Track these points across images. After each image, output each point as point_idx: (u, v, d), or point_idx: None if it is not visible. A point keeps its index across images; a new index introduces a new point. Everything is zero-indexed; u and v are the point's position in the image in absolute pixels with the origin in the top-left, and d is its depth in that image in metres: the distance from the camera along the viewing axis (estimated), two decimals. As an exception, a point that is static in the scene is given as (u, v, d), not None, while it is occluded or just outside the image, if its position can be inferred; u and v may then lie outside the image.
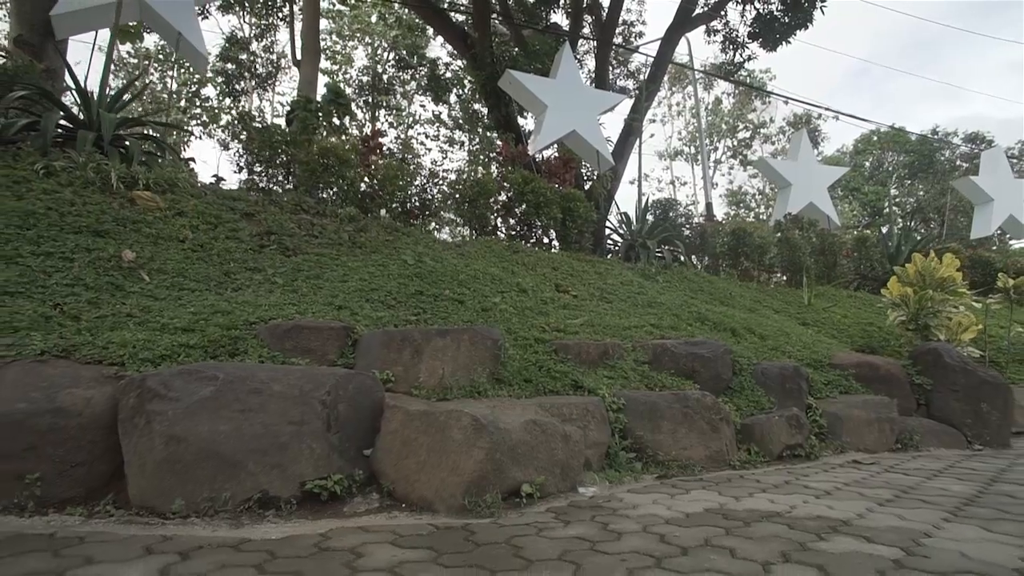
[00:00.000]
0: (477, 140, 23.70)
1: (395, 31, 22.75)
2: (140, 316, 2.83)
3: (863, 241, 10.31)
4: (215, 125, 26.30)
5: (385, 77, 25.24)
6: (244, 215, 4.68)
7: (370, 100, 25.88)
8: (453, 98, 21.37)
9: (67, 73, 5.40)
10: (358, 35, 26.34)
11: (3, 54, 5.21)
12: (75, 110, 5.18)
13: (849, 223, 31.53)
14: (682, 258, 8.12)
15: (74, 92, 5.16)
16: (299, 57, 9.27)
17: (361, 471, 2.19)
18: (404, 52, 23.24)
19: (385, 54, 25.98)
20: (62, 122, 4.95)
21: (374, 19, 25.37)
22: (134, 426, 2.01)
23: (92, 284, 3.05)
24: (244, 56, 19.53)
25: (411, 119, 28.81)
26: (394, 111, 28.06)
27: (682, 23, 11.81)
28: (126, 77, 19.86)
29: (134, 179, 4.41)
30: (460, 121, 24.48)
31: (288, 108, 7.25)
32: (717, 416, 3.07)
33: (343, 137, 6.67)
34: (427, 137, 28.30)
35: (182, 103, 23.74)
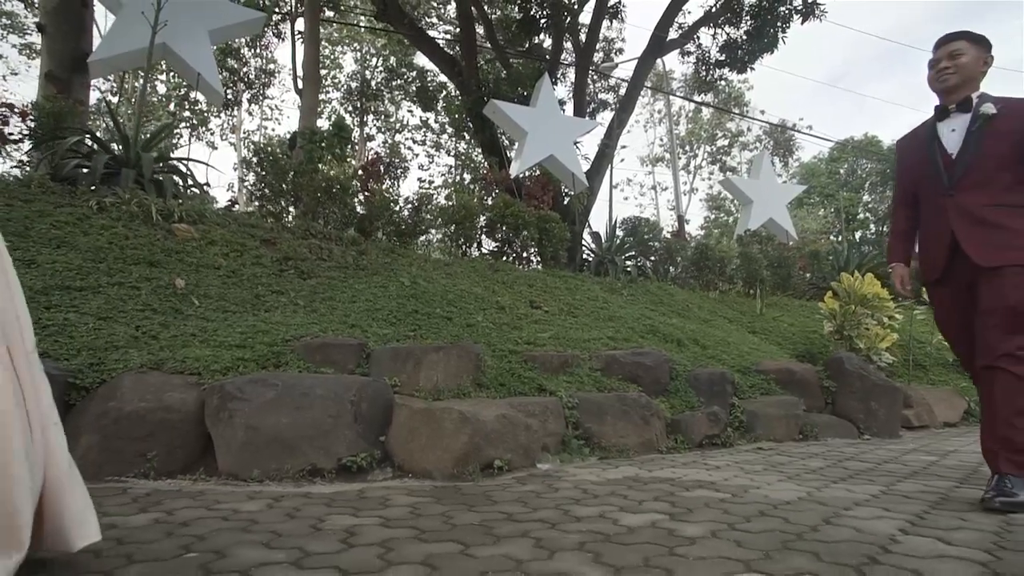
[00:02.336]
0: (464, 144, 24.51)
1: (383, 40, 23.42)
2: (201, 335, 3.64)
3: (816, 254, 11.31)
4: (204, 128, 26.86)
5: (374, 83, 25.91)
6: (263, 241, 5.49)
7: (359, 105, 26.56)
8: (440, 104, 22.05)
9: (110, 120, 6.16)
10: (347, 40, 26.98)
11: (49, 98, 5.94)
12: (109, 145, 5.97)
13: (823, 228, 32.79)
14: (648, 272, 9.02)
15: (117, 138, 5.93)
16: (300, 85, 10.02)
17: (378, 451, 3.03)
18: (392, 60, 23.99)
19: (374, 60, 26.70)
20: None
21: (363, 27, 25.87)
22: (219, 419, 2.84)
23: (159, 309, 3.86)
24: (235, 63, 20.15)
25: (399, 124, 29.53)
26: (382, 116, 28.78)
27: (655, 50, 12.72)
28: (115, 82, 20.57)
29: (170, 212, 5.20)
30: (446, 126, 25.26)
31: (291, 134, 8.07)
32: (649, 412, 3.95)
33: (344, 163, 7.51)
34: (415, 142, 28.99)
35: (171, 107, 24.32)
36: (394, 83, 24.51)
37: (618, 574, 1.45)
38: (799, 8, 11.80)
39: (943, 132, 2.63)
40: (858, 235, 36.73)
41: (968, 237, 2.49)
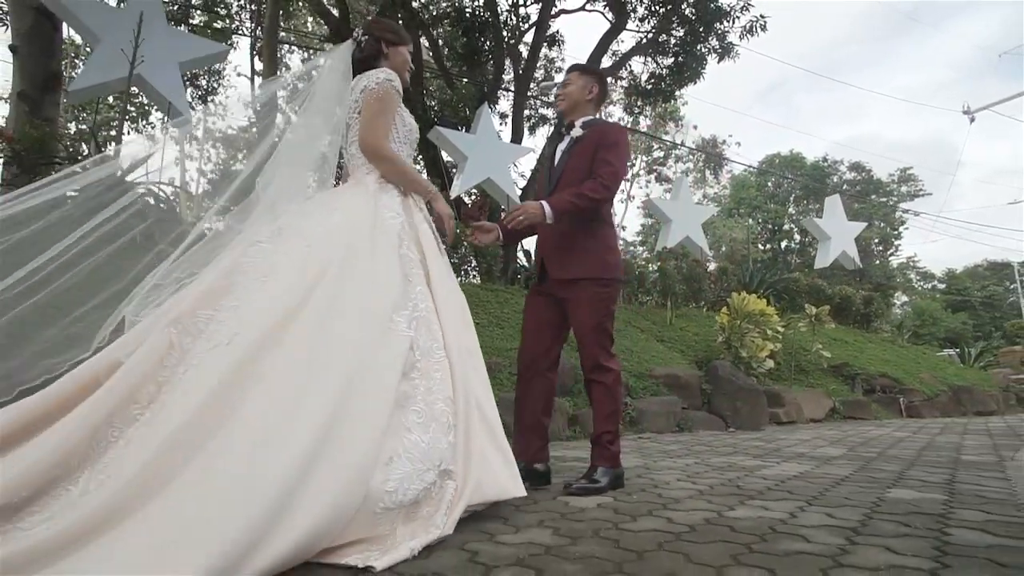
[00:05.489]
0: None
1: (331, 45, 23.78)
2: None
3: (724, 271, 12.73)
4: (144, 121, 26.63)
5: (322, 86, 26.17)
6: (231, 259, 6.27)
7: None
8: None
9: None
10: (293, 37, 27.20)
11: (35, 124, 6.52)
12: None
13: (748, 238, 34.97)
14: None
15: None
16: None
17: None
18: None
19: (323, 61, 26.99)
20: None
21: (310, 27, 26.16)
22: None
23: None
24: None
25: (346, 128, 29.77)
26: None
27: (588, 78, 13.87)
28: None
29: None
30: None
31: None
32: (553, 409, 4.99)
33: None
34: (362, 147, 29.32)
35: (110, 99, 24.09)
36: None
37: (494, 500, 2.46)
38: (716, 49, 13.16)
39: (559, 151, 2.91)
40: (783, 244, 39.44)
41: (547, 249, 2.80)
